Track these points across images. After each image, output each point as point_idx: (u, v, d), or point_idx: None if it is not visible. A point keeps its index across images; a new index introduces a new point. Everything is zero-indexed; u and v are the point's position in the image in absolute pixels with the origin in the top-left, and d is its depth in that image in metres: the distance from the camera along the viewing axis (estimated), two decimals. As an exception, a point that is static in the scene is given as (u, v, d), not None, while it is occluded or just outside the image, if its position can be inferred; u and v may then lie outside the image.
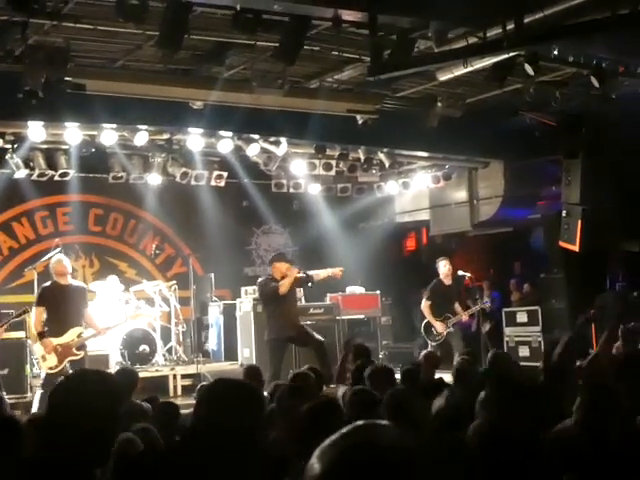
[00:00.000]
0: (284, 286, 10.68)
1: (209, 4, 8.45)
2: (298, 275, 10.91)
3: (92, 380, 2.83)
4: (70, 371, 9.16)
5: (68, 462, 2.65)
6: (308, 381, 6.90)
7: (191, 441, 2.93)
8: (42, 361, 9.66)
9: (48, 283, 9.85)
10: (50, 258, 12.68)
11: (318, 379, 7.64)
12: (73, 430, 2.68)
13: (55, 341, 9.56)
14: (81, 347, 9.78)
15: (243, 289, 14.15)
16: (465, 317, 12.54)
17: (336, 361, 12.06)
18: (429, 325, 12.40)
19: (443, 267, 12.47)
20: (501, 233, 15.54)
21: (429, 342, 12.38)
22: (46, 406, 2.88)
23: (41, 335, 9.63)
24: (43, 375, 9.84)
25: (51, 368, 9.54)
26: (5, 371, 10.77)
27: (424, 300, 12.52)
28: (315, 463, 1.41)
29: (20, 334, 11.36)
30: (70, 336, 9.68)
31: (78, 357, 9.65)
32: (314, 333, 11.19)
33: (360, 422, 1.48)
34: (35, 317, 9.86)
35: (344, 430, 1.45)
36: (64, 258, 10.18)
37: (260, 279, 11.29)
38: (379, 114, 12.07)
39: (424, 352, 9.54)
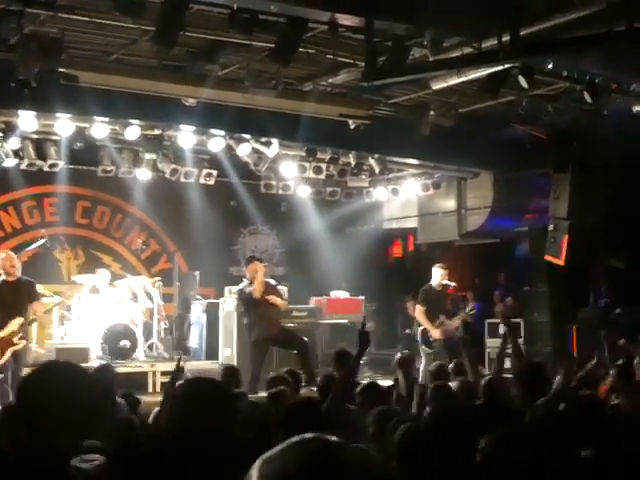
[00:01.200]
0: (256, 290, 11.13)
1: (206, 2, 8.45)
2: (264, 273, 11.26)
3: (64, 371, 2.81)
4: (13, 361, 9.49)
5: (38, 455, 2.63)
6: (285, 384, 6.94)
7: (167, 442, 2.92)
8: None
9: None
10: (35, 248, 12.76)
11: (295, 381, 7.66)
12: (42, 421, 2.66)
13: None
14: (23, 336, 9.82)
15: (227, 288, 14.11)
16: (456, 323, 12.42)
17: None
18: (425, 332, 12.20)
19: (440, 275, 12.25)
20: (487, 244, 15.57)
21: (424, 349, 12.13)
22: (15, 397, 2.85)
23: None
24: None
25: None
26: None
27: (418, 307, 12.19)
28: (254, 474, 1.37)
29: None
30: (10, 328, 9.74)
31: (19, 346, 9.70)
32: (297, 334, 11.44)
33: (305, 435, 1.44)
34: None
35: (287, 442, 1.41)
36: (13, 254, 10.35)
37: (239, 287, 11.72)
38: (371, 120, 12.09)
39: (399, 354, 9.28)
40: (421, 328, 12.19)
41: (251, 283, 11.31)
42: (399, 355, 9.04)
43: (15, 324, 9.80)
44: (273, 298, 11.43)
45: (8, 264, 10.02)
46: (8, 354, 9.67)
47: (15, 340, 9.76)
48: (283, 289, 14.54)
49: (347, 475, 1.35)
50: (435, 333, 12.01)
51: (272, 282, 11.84)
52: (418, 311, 12.18)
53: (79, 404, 2.70)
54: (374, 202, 16.19)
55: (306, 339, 11.41)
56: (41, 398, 2.71)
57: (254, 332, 11.22)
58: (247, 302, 11.41)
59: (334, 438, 1.42)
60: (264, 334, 11.17)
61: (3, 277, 10.05)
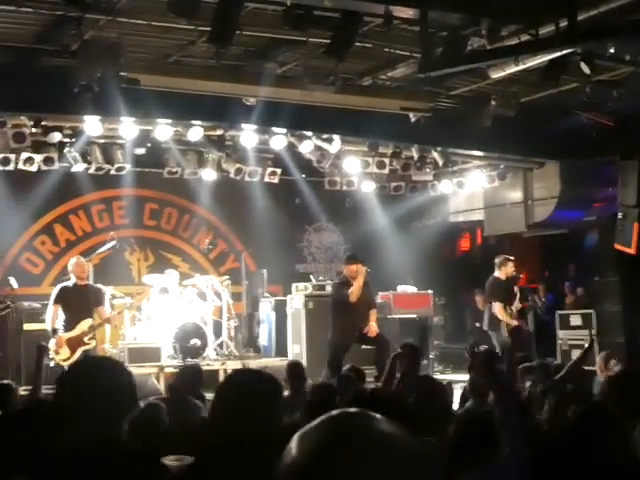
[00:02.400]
0: (353, 295, 10.74)
1: (260, 0, 8.51)
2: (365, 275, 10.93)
3: (98, 365, 2.88)
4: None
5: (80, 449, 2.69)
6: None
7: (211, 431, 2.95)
8: (55, 355, 10.16)
9: (68, 283, 10.50)
10: (106, 251, 13.02)
11: (359, 377, 7.64)
12: (79, 412, 2.72)
13: (67, 335, 10.17)
14: (93, 337, 10.37)
15: (294, 285, 14.19)
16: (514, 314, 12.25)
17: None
18: (506, 326, 11.86)
19: (510, 267, 12.13)
20: (556, 235, 15.31)
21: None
22: (54, 392, 2.93)
23: (54, 332, 10.22)
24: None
25: (64, 360, 10.08)
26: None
27: (496, 303, 11.93)
28: (292, 448, 1.38)
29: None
30: (80, 328, 10.24)
31: (90, 346, 10.25)
32: (384, 335, 11.23)
33: (344, 409, 1.45)
34: (51, 314, 10.37)
35: (326, 416, 1.42)
36: (84, 260, 10.87)
37: (335, 281, 11.83)
38: (432, 112, 12.01)
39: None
40: (504, 324, 11.93)
41: (347, 283, 10.96)
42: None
43: (85, 325, 10.29)
44: (371, 325, 10.93)
45: (79, 269, 10.53)
46: (79, 353, 10.16)
47: (85, 340, 10.25)
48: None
49: (372, 448, 1.35)
50: (514, 324, 11.88)
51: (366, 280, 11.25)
52: (497, 307, 11.89)
53: (116, 397, 2.76)
54: (439, 195, 16.05)
55: (387, 341, 11.15)
56: (69, 394, 2.78)
57: (336, 333, 10.90)
58: (339, 302, 11.01)
59: (373, 414, 1.43)
60: (345, 338, 10.88)
61: (74, 281, 10.47)
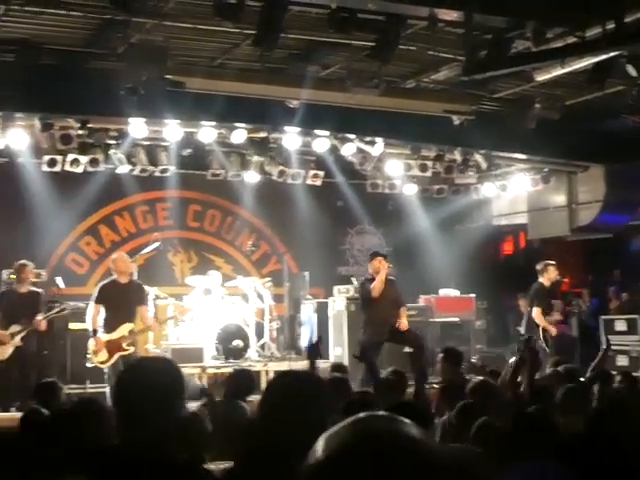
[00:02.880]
0: (376, 289, 10.85)
1: (305, 3, 8.55)
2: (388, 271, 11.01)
3: (150, 367, 2.92)
4: (121, 366, 9.67)
5: (132, 446, 2.73)
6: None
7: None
8: (94, 356, 10.16)
9: (108, 281, 10.54)
10: (150, 252, 13.15)
11: (400, 381, 7.62)
12: (135, 413, 2.77)
13: (106, 337, 10.11)
14: (132, 343, 10.20)
15: (336, 288, 14.21)
16: (558, 318, 12.18)
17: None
18: (544, 331, 11.85)
19: (553, 272, 12.08)
20: (601, 239, 15.16)
21: (547, 349, 11.99)
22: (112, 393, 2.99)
23: (94, 332, 10.18)
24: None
25: (102, 362, 10.11)
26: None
27: (535, 308, 11.95)
28: (318, 449, 1.38)
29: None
30: (120, 332, 10.16)
31: (127, 352, 10.09)
32: (413, 331, 11.23)
33: (369, 412, 1.45)
34: (92, 314, 10.34)
35: (352, 418, 1.42)
36: (127, 257, 10.93)
37: (360, 280, 11.77)
38: (476, 115, 11.97)
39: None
40: (540, 330, 11.91)
41: (371, 280, 11.04)
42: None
43: (125, 329, 10.19)
44: (401, 322, 10.99)
45: (121, 265, 10.51)
46: (115, 357, 10.05)
47: (124, 346, 10.11)
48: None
49: (395, 453, 1.34)
50: (553, 331, 11.82)
51: (392, 278, 11.38)
52: (536, 312, 11.89)
53: (158, 397, 2.80)
54: (482, 198, 15.97)
55: (421, 336, 11.26)
56: (127, 394, 2.83)
57: (367, 332, 10.97)
58: (364, 299, 11.19)
59: (400, 418, 1.42)
60: (375, 337, 10.91)
61: (115, 277, 10.47)
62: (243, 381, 7.14)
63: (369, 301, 10.97)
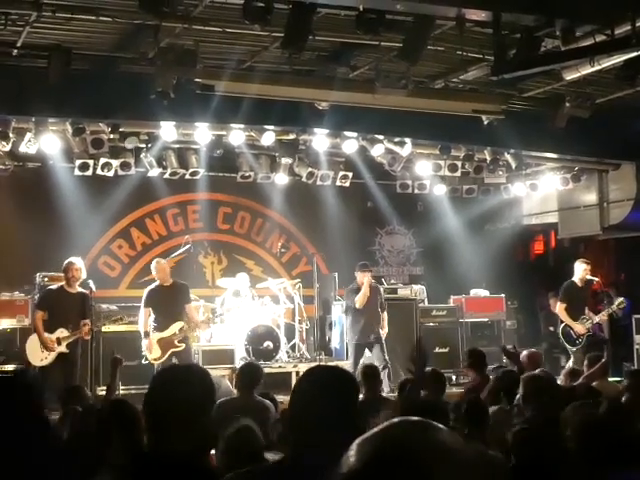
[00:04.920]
0: (359, 302, 12.17)
1: (333, 5, 8.57)
2: (370, 287, 12.22)
3: (183, 374, 2.97)
4: (174, 361, 10.42)
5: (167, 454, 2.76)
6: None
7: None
8: (148, 353, 10.77)
9: (154, 286, 11.06)
10: (180, 254, 13.25)
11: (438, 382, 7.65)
12: (162, 422, 2.81)
13: (158, 335, 10.72)
14: (183, 339, 10.84)
15: (366, 289, 14.21)
16: (604, 319, 12.14)
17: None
18: (567, 329, 11.99)
19: (583, 270, 12.05)
20: (632, 237, 15.03)
21: (569, 348, 12.01)
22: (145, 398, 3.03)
23: (146, 334, 10.78)
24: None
25: (155, 359, 10.73)
26: (135, 362, 11.15)
27: (559, 303, 12.13)
28: (351, 456, 1.37)
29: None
30: (172, 330, 10.77)
31: (180, 349, 10.77)
32: (385, 353, 12.23)
33: (405, 418, 1.44)
34: (143, 317, 10.92)
35: (387, 423, 1.41)
36: (163, 261, 11.43)
37: (347, 288, 12.82)
38: (505, 114, 11.92)
39: (526, 351, 9.17)
40: (562, 325, 12.00)
41: (358, 289, 12.25)
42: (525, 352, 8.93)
43: (176, 327, 10.80)
44: (383, 324, 12.37)
45: (162, 271, 11.10)
46: (168, 354, 10.73)
47: (176, 342, 10.76)
48: (422, 289, 14.57)
49: (428, 460, 1.34)
50: (578, 329, 11.78)
51: (375, 285, 12.70)
52: (559, 308, 12.02)
53: (193, 404, 2.84)
54: (512, 198, 15.89)
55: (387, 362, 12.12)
56: (161, 401, 2.87)
57: (355, 335, 12.33)
58: (349, 307, 12.46)
59: (435, 423, 1.42)
60: (362, 339, 12.21)
61: (158, 283, 10.98)
62: (250, 373, 7.35)
63: (354, 309, 12.27)
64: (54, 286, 10.73)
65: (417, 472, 1.32)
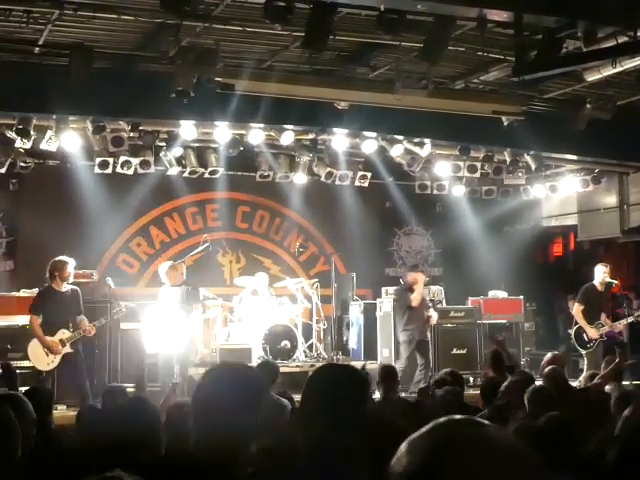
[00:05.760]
0: (415, 300, 12.04)
1: (353, 5, 8.56)
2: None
3: (230, 374, 2.96)
4: None
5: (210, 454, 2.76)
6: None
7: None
8: None
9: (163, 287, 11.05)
10: (199, 253, 13.28)
11: (456, 382, 7.66)
12: (209, 421, 2.81)
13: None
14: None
15: (384, 289, 14.20)
16: (620, 327, 12.06)
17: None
18: (581, 331, 11.95)
19: (602, 273, 11.94)
20: (652, 240, 14.96)
21: (580, 350, 11.98)
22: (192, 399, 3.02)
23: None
24: None
25: None
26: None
27: (576, 305, 12.06)
28: (403, 456, 1.38)
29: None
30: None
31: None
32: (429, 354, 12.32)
33: (452, 417, 1.45)
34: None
35: (434, 423, 1.42)
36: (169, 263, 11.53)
37: (396, 288, 12.89)
38: (525, 116, 11.88)
39: (550, 354, 9.25)
40: (576, 327, 11.94)
41: (409, 288, 12.18)
42: (549, 355, 8.97)
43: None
44: (430, 317, 12.37)
45: (174, 272, 11.05)
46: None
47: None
48: (440, 290, 14.55)
49: (484, 456, 1.34)
50: (591, 333, 11.72)
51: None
52: (576, 309, 11.97)
53: (242, 404, 2.83)
54: (532, 200, 15.81)
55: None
56: (209, 400, 2.87)
57: (406, 333, 12.05)
58: (404, 305, 12.22)
59: (481, 420, 1.43)
60: (415, 336, 12.00)
61: (167, 284, 10.94)
62: (267, 372, 7.38)
63: (409, 308, 12.13)
64: (43, 288, 10.38)
65: (471, 469, 1.33)
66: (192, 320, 10.90)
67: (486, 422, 1.42)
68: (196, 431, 2.86)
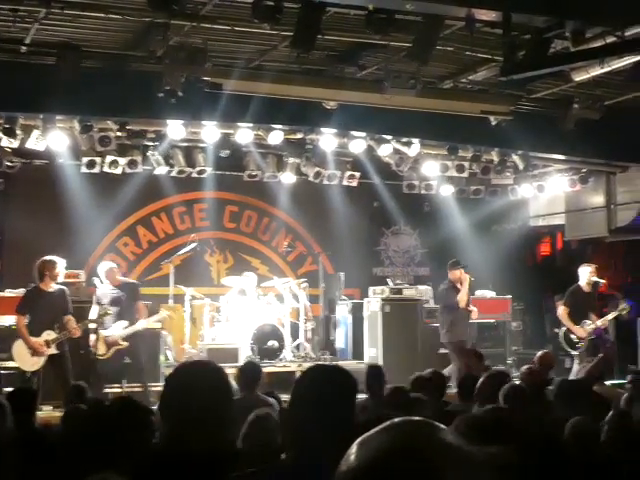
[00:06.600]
0: (462, 301, 12.14)
1: (342, 4, 8.54)
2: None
3: (200, 373, 2.95)
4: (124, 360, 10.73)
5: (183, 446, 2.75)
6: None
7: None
8: (94, 349, 10.69)
9: (102, 287, 10.99)
10: (186, 252, 13.25)
11: (438, 382, 7.67)
12: (182, 415, 2.79)
13: (104, 333, 10.63)
14: (127, 338, 10.68)
15: (371, 289, 14.21)
16: (605, 323, 12.10)
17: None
18: (568, 332, 11.96)
19: (588, 274, 11.98)
20: (639, 240, 15.00)
21: (570, 351, 11.99)
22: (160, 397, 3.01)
23: (94, 329, 10.69)
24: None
25: (101, 355, 10.60)
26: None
27: (561, 307, 12.06)
28: (351, 454, 1.37)
29: (157, 324, 11.75)
30: (116, 329, 10.68)
31: (122, 347, 10.65)
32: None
33: (407, 417, 1.43)
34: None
35: (388, 423, 1.40)
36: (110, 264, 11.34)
37: (441, 286, 12.68)
38: (514, 116, 11.89)
39: (540, 352, 9.36)
40: (564, 329, 11.98)
41: (452, 286, 12.26)
42: (539, 353, 9.05)
43: (120, 326, 10.70)
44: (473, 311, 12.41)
45: (110, 276, 10.95)
46: (112, 352, 10.63)
47: (120, 341, 10.66)
48: (427, 289, 14.57)
49: (432, 460, 1.33)
50: (579, 332, 11.75)
51: None
52: (561, 311, 11.97)
53: (214, 400, 2.83)
54: (519, 199, 15.87)
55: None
56: (181, 395, 2.86)
57: (455, 334, 12.12)
58: (449, 305, 12.28)
59: (436, 423, 1.41)
60: (462, 336, 12.07)
61: (108, 284, 10.92)
62: (251, 372, 7.35)
63: (455, 308, 12.14)
64: (30, 288, 10.35)
65: (421, 470, 1.31)
66: (136, 319, 10.88)
67: (441, 425, 1.40)
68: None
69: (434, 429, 1.39)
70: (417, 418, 1.43)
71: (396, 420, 1.41)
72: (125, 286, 11.06)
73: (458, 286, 12.18)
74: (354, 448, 1.38)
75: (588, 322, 11.82)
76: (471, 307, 12.34)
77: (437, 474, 1.31)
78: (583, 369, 9.61)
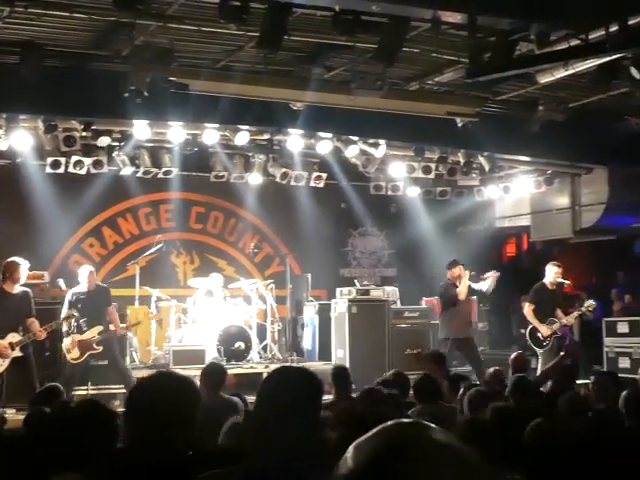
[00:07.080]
0: (462, 293, 12.19)
1: (308, 5, 8.54)
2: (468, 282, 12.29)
3: (167, 383, 2.95)
4: (90, 362, 10.71)
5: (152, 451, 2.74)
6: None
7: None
8: (67, 353, 10.60)
9: (77, 289, 10.84)
10: (152, 253, 13.18)
11: (401, 384, 7.68)
12: (152, 420, 2.79)
13: (78, 337, 10.55)
14: (100, 342, 10.64)
15: (338, 290, 14.22)
16: (571, 321, 12.18)
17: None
18: (534, 331, 12.05)
19: (554, 273, 12.04)
20: (605, 241, 15.14)
21: (536, 349, 12.07)
22: (127, 401, 3.00)
23: (67, 332, 10.60)
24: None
25: (74, 359, 10.56)
26: (106, 362, 11.07)
27: (527, 305, 12.15)
28: (348, 458, 1.39)
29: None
30: (91, 333, 10.60)
31: (97, 351, 10.66)
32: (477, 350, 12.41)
33: (398, 420, 1.46)
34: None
35: (381, 426, 1.42)
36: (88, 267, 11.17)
37: (440, 284, 12.73)
38: (479, 117, 11.97)
39: (514, 353, 9.49)
40: (530, 327, 12.07)
41: (453, 284, 12.32)
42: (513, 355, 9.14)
43: (95, 331, 10.63)
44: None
45: (93, 277, 10.92)
46: (85, 356, 10.61)
47: (94, 345, 10.62)
48: (394, 290, 14.61)
49: (424, 459, 1.35)
50: (544, 330, 11.83)
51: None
52: (527, 309, 12.08)
53: (182, 407, 2.82)
54: (485, 201, 15.98)
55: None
56: (151, 402, 2.85)
57: (452, 330, 12.09)
58: (449, 301, 12.34)
59: (428, 424, 1.43)
60: (460, 333, 12.08)
61: (85, 287, 10.80)
62: (215, 373, 7.35)
63: (452, 304, 12.24)
64: None
65: (416, 471, 1.33)
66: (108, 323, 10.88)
67: (432, 425, 1.42)
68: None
69: (425, 429, 1.41)
70: (409, 420, 1.46)
71: (389, 423, 1.43)
72: (99, 290, 10.97)
73: (457, 283, 12.25)
74: (350, 452, 1.40)
75: (554, 320, 11.90)
76: (487, 274, 12.56)
77: (430, 472, 1.33)
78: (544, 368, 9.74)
